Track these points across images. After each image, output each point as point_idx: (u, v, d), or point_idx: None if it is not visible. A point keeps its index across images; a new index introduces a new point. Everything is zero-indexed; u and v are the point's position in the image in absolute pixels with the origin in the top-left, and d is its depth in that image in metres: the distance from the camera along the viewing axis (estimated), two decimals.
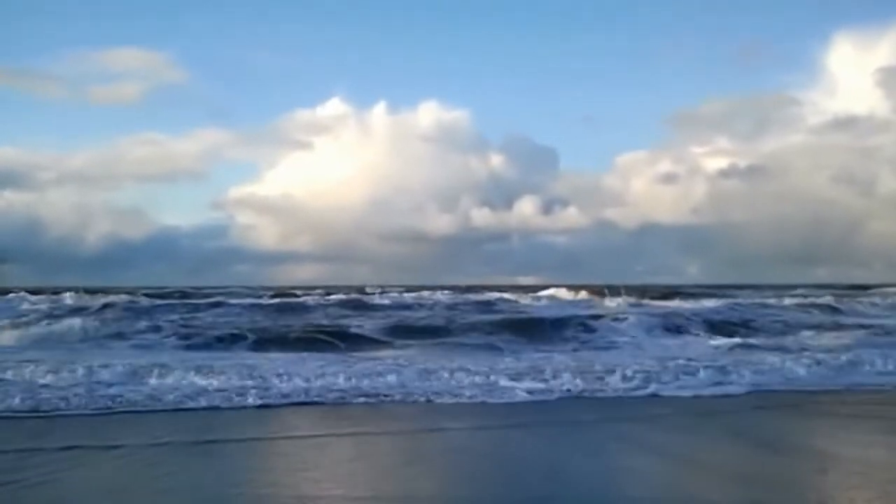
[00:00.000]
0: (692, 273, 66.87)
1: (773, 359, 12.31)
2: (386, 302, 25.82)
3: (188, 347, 15.41)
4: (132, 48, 74.77)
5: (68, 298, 24.75)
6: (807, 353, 13.15)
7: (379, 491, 5.38)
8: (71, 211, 64.58)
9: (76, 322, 18.05)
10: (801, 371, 11.38)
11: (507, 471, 5.96)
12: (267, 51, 74.78)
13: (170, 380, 9.82)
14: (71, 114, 76.82)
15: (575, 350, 15.29)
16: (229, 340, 15.93)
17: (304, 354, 13.61)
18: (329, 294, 29.29)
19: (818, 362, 12.04)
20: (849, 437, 7.22)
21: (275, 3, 71.07)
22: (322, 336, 16.37)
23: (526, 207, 65.38)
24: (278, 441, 7.06)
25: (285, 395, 9.09)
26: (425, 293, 29.68)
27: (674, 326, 19.19)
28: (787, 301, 26.92)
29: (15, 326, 17.54)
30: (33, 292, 26.80)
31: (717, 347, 15.19)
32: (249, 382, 9.67)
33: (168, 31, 73.86)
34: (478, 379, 10.16)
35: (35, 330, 17.38)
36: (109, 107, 74.05)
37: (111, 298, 24.04)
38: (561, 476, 5.67)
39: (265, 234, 69.83)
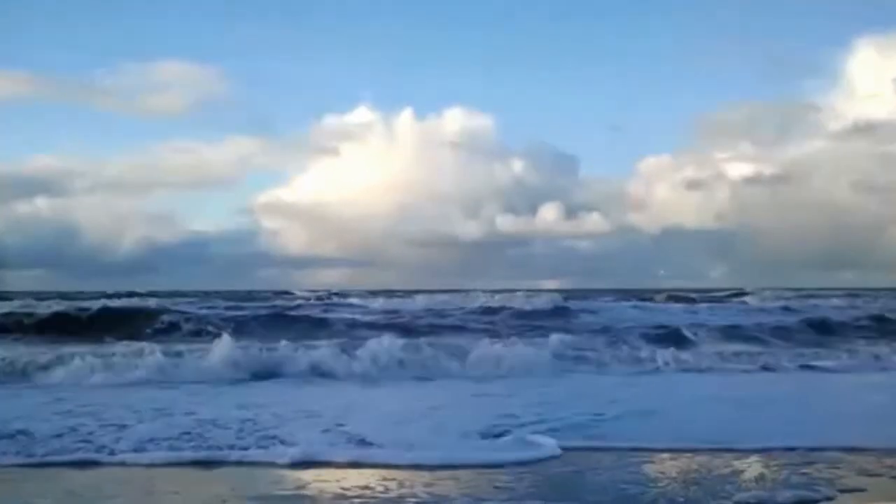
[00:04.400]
0: (715, 277, 65.23)
1: None
2: None
3: None
4: (175, 60, 72.49)
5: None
6: None
7: None
8: (105, 217, 63.78)
9: None
10: None
11: None
12: (297, 59, 73.59)
13: None
14: (114, 124, 77.98)
15: None
16: None
17: None
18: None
19: None
20: None
21: (304, 13, 70.44)
22: None
23: (549, 213, 64.03)
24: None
25: None
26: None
27: None
28: None
29: None
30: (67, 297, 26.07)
31: None
32: None
33: (210, 44, 73.46)
34: None
35: None
36: (149, 117, 74.85)
37: None
38: None
39: (293, 239, 69.18)
